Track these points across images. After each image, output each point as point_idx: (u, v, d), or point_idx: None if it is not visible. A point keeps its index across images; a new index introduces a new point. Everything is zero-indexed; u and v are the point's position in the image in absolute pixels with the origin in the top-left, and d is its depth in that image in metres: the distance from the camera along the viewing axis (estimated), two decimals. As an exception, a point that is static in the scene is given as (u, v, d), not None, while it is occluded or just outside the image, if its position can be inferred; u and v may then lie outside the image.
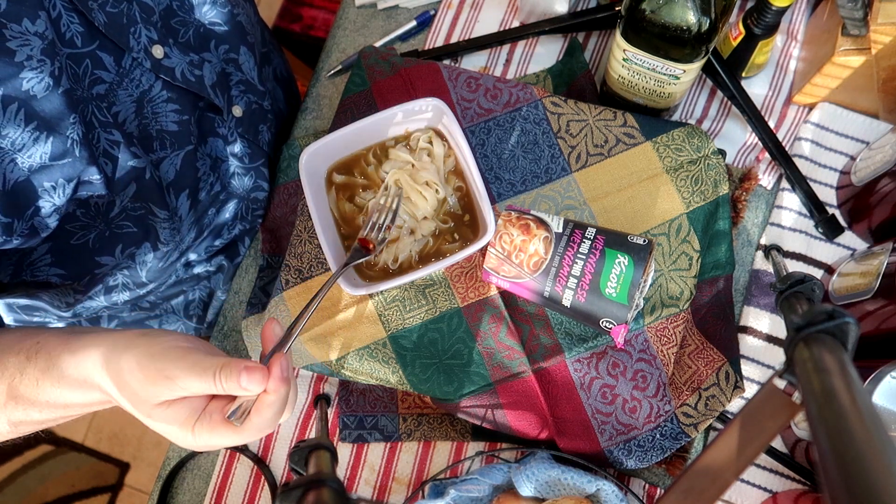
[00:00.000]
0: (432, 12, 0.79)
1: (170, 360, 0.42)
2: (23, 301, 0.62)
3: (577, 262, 0.55)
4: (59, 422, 0.49)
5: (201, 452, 0.70)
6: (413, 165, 0.63)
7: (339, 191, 0.65)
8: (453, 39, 0.78)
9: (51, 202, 0.48)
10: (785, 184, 0.68)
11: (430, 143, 0.64)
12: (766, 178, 0.69)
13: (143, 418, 0.43)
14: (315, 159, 0.63)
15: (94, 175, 0.50)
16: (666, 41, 0.56)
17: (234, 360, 0.42)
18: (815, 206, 0.67)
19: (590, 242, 0.55)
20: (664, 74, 0.60)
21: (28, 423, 0.48)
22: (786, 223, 0.68)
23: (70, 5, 0.48)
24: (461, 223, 0.64)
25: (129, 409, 0.44)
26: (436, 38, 0.78)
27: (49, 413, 0.47)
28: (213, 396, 0.44)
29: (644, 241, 0.55)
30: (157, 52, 0.55)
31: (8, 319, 0.65)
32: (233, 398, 0.44)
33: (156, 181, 0.57)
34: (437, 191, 0.63)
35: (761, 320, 0.66)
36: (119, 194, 0.54)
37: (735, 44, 0.67)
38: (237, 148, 0.68)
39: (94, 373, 0.43)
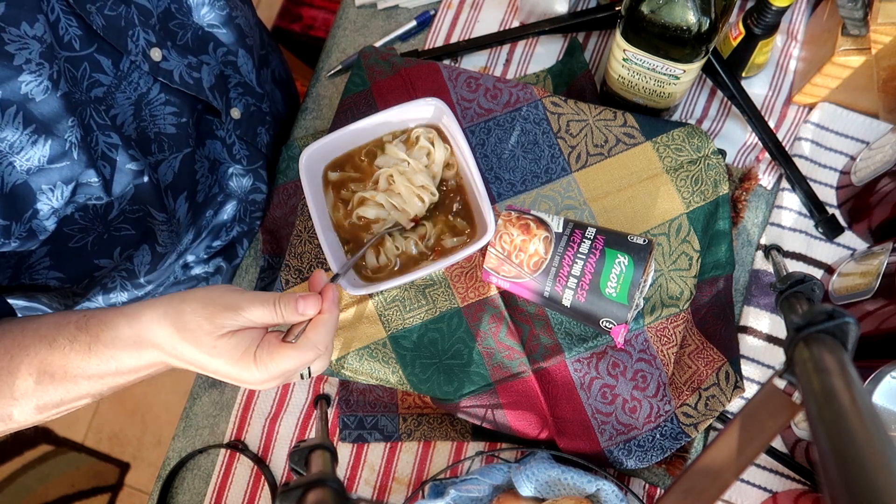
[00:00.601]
0: (432, 12, 0.79)
1: (232, 295, 0.46)
2: (21, 303, 0.62)
3: (577, 262, 0.55)
4: (105, 391, 0.49)
5: (202, 452, 0.70)
6: (408, 164, 0.63)
7: (334, 190, 0.65)
8: (453, 39, 0.78)
9: (49, 205, 0.48)
10: (785, 184, 0.68)
11: (432, 143, 0.64)
12: (766, 178, 0.69)
13: (204, 359, 0.45)
14: (315, 159, 0.63)
15: (92, 178, 0.50)
16: (666, 41, 0.56)
17: (290, 293, 0.48)
18: (815, 206, 0.67)
19: (590, 242, 0.55)
20: (664, 74, 0.60)
21: (67, 400, 0.48)
22: (786, 223, 0.68)
23: (68, 9, 0.48)
24: (457, 221, 0.64)
25: (187, 356, 0.45)
26: (436, 38, 0.78)
27: (95, 384, 0.48)
28: (270, 331, 0.49)
29: (644, 240, 0.55)
30: (156, 54, 0.55)
31: None
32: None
33: (154, 184, 0.57)
34: (431, 193, 0.63)
35: (761, 320, 0.66)
36: (117, 197, 0.54)
37: (735, 44, 0.67)
38: (235, 150, 0.68)
39: (150, 329, 0.45)
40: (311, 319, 0.48)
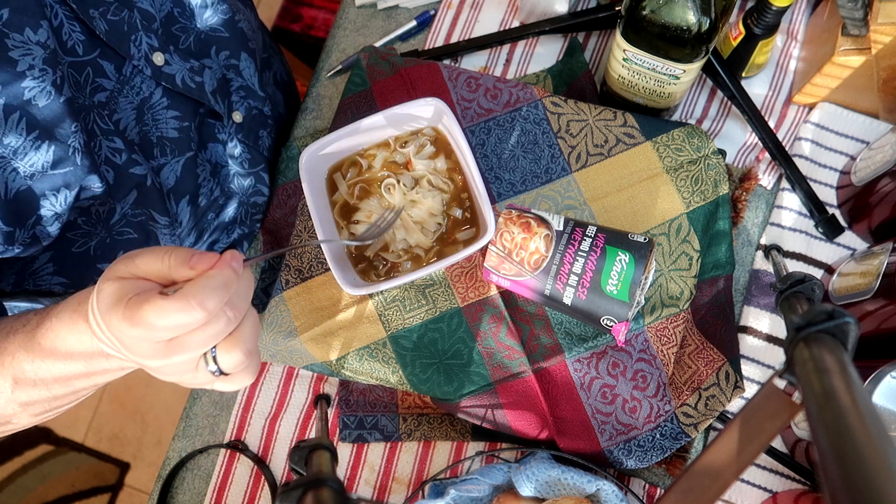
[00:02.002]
0: (432, 12, 0.79)
1: (134, 252, 0.41)
2: (24, 305, 0.62)
3: (577, 260, 0.55)
4: (73, 389, 0.47)
5: (202, 452, 0.70)
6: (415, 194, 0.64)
7: (338, 200, 0.65)
8: (453, 39, 0.78)
9: (52, 210, 0.48)
10: (785, 184, 0.68)
11: (433, 153, 0.65)
12: (766, 178, 0.69)
13: (93, 307, 0.40)
14: (315, 159, 0.63)
15: (95, 183, 0.50)
16: (666, 41, 0.56)
17: (188, 248, 0.41)
18: (815, 206, 0.67)
19: (590, 240, 0.55)
20: (664, 74, 0.60)
21: (39, 401, 0.46)
22: (786, 223, 0.68)
23: (71, 14, 0.48)
24: (460, 228, 0.64)
25: (94, 310, 0.40)
26: (436, 38, 0.78)
27: (59, 388, 0.45)
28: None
29: (644, 239, 0.55)
30: (158, 59, 0.55)
31: None
32: None
33: (156, 188, 0.57)
34: (437, 222, 0.63)
35: (761, 320, 0.66)
36: (120, 201, 0.54)
37: (735, 44, 0.67)
38: (237, 153, 0.68)
39: (82, 294, 0.42)
40: None
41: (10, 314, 0.55)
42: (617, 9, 0.66)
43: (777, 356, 0.65)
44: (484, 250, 0.60)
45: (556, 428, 0.62)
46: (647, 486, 0.64)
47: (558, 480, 0.58)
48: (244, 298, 0.41)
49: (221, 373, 0.42)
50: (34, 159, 0.46)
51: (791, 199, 0.68)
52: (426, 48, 0.77)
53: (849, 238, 0.67)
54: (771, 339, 0.65)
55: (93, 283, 0.60)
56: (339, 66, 0.78)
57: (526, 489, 0.58)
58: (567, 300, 0.56)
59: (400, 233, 0.63)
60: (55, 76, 0.45)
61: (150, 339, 0.39)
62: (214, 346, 0.41)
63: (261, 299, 0.71)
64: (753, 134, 0.70)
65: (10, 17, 0.43)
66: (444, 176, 0.65)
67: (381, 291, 0.64)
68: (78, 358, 0.43)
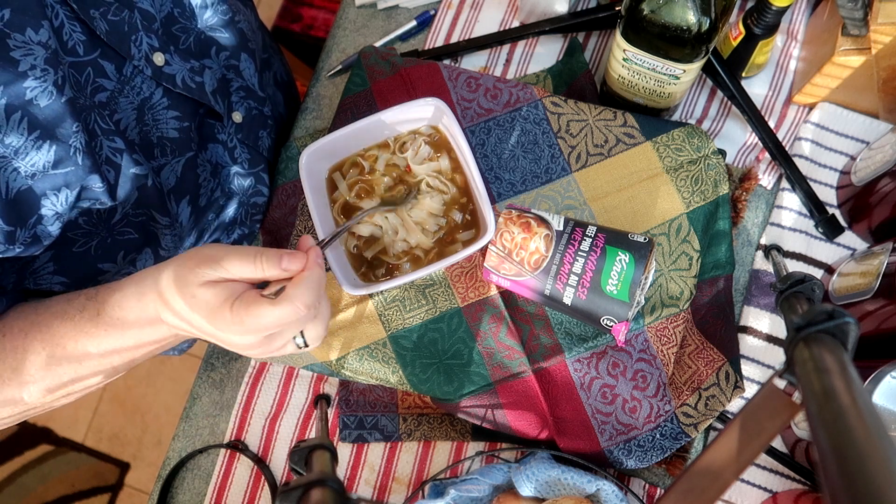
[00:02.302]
0: (432, 12, 0.79)
1: (215, 247, 0.45)
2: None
3: (577, 260, 0.55)
4: (109, 374, 0.51)
5: (202, 452, 0.70)
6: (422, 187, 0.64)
7: (338, 199, 0.65)
8: (453, 39, 0.78)
9: (53, 210, 0.48)
10: (785, 184, 0.68)
11: (437, 156, 0.65)
12: (766, 178, 0.69)
13: (186, 308, 0.45)
14: (315, 159, 0.63)
15: (96, 183, 0.50)
16: (666, 41, 0.56)
17: (274, 248, 0.46)
18: (815, 206, 0.67)
19: (590, 240, 0.55)
20: (664, 74, 0.60)
21: (78, 378, 0.50)
22: (786, 223, 0.68)
23: (72, 14, 0.48)
24: (459, 227, 0.64)
25: (176, 306, 0.45)
26: (436, 38, 0.78)
27: (103, 361, 0.49)
28: (252, 287, 0.47)
29: (644, 239, 0.55)
30: (158, 59, 0.55)
31: None
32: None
33: (157, 188, 0.57)
34: (438, 223, 0.63)
35: (761, 320, 0.66)
36: (121, 201, 0.54)
37: (735, 44, 0.67)
38: (237, 154, 0.68)
39: (151, 282, 0.46)
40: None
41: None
42: (617, 9, 0.66)
43: (777, 356, 0.65)
44: (484, 250, 0.60)
45: (556, 428, 0.62)
46: (647, 486, 0.64)
47: (558, 480, 0.58)
48: (323, 289, 0.48)
49: (305, 345, 0.50)
50: (35, 159, 0.46)
51: (791, 199, 0.68)
52: (426, 48, 0.77)
53: (849, 238, 0.67)
54: (771, 339, 0.65)
55: (95, 282, 0.61)
56: (339, 66, 0.78)
57: (526, 489, 0.58)
58: (567, 300, 0.56)
59: (400, 233, 0.63)
60: (56, 76, 0.45)
61: (258, 335, 0.45)
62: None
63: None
64: (753, 134, 0.70)
65: (12, 18, 0.43)
66: (446, 176, 0.65)
67: (381, 291, 0.64)
68: (133, 350, 0.49)
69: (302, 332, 0.49)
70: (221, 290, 0.44)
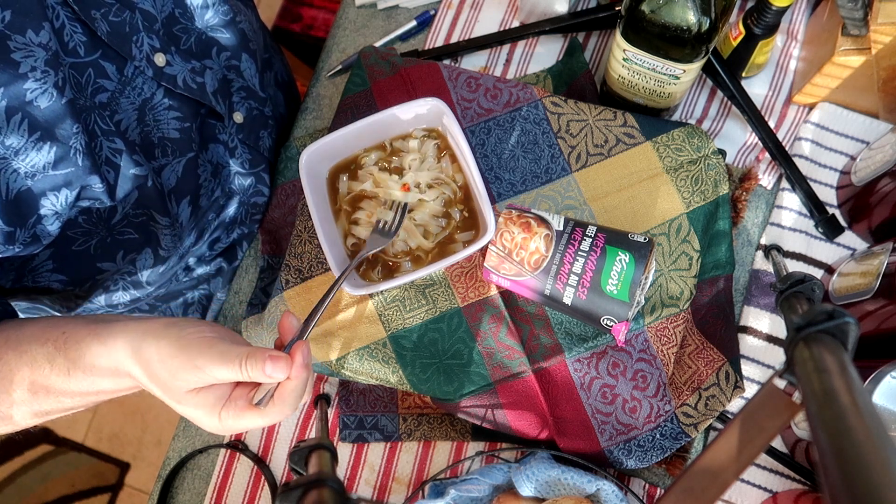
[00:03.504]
0: (432, 12, 0.79)
1: (197, 350, 0.43)
2: (24, 304, 0.63)
3: (577, 260, 0.55)
4: (90, 405, 0.51)
5: (202, 452, 0.70)
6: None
7: (341, 200, 0.65)
8: (453, 39, 0.78)
9: (53, 210, 0.48)
10: (785, 184, 0.68)
11: (439, 158, 0.65)
12: (766, 178, 0.69)
13: (173, 404, 0.46)
14: (315, 159, 0.63)
15: (96, 183, 0.50)
16: (666, 41, 0.56)
17: (259, 350, 0.44)
18: (815, 206, 0.67)
19: (590, 240, 0.55)
20: (664, 74, 0.60)
21: (58, 410, 0.49)
22: (786, 223, 0.68)
23: (73, 15, 0.48)
24: (460, 226, 0.64)
25: (159, 395, 0.46)
26: (436, 38, 0.78)
27: (80, 400, 0.49)
28: (238, 383, 0.47)
29: (645, 239, 0.55)
30: (160, 59, 0.55)
31: None
32: (256, 385, 0.47)
33: (157, 188, 0.57)
34: (439, 224, 0.64)
35: (761, 320, 0.66)
36: (121, 202, 0.54)
37: (735, 44, 0.67)
38: (238, 154, 0.68)
39: (124, 361, 0.45)
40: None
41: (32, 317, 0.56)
42: (617, 9, 0.66)
43: (777, 356, 0.65)
44: (484, 250, 0.60)
45: (556, 428, 0.62)
46: (647, 486, 0.64)
47: (558, 480, 0.58)
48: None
49: None
50: (35, 160, 0.46)
51: (791, 199, 0.68)
52: (426, 48, 0.77)
53: (849, 238, 0.67)
54: (771, 339, 0.65)
55: (94, 281, 0.61)
56: (339, 66, 0.78)
57: (526, 489, 0.58)
58: (567, 300, 0.56)
59: (401, 234, 0.63)
60: (57, 77, 0.45)
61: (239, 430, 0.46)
62: None
63: (260, 299, 0.71)
64: (753, 134, 0.70)
65: (13, 19, 0.43)
66: (447, 177, 0.65)
67: (381, 291, 0.64)
68: (107, 374, 0.47)
69: None
70: (207, 395, 0.45)
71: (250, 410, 0.45)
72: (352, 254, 0.64)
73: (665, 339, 0.62)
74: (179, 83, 0.57)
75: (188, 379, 0.43)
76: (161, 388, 0.45)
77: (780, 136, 0.70)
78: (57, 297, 0.61)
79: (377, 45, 0.77)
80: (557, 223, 0.57)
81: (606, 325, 0.56)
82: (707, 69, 0.67)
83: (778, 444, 0.63)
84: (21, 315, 0.65)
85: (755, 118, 0.67)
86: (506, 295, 0.63)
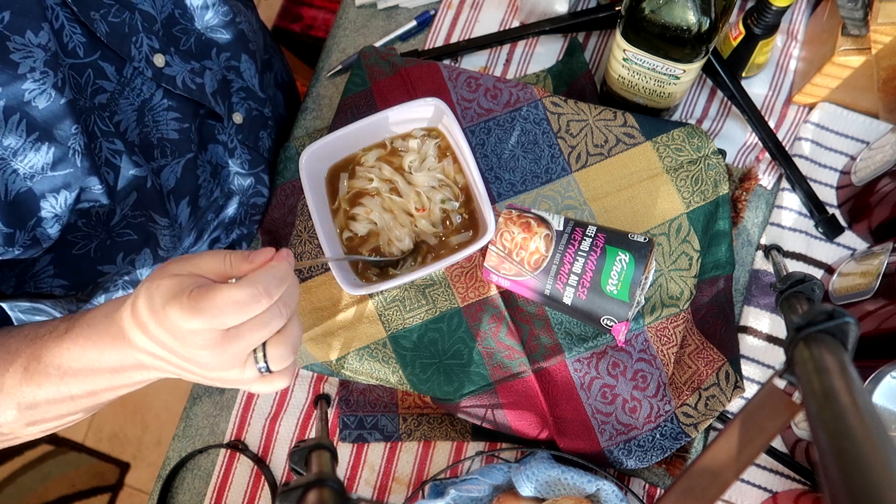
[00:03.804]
0: (432, 12, 0.79)
1: (180, 266, 0.42)
2: (25, 304, 0.63)
3: (577, 260, 0.55)
4: (87, 410, 0.49)
5: (202, 451, 0.70)
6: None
7: (340, 199, 0.65)
8: (453, 39, 0.78)
9: (52, 212, 0.48)
10: (785, 184, 0.68)
11: (439, 157, 0.65)
12: (766, 178, 0.69)
13: (147, 311, 0.40)
14: (315, 159, 0.63)
15: (95, 184, 0.50)
16: (666, 41, 0.56)
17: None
18: (815, 205, 0.67)
19: (590, 240, 0.55)
20: (664, 74, 0.60)
21: (54, 401, 0.46)
22: (786, 223, 0.68)
23: (72, 16, 0.48)
24: (459, 228, 0.64)
25: (142, 315, 0.41)
26: (436, 38, 0.78)
27: (76, 384, 0.45)
28: None
29: (644, 239, 0.55)
30: (159, 60, 0.55)
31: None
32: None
33: (156, 189, 0.57)
34: (439, 223, 0.64)
35: (761, 320, 0.66)
36: (120, 203, 0.54)
37: (735, 44, 0.67)
38: (237, 154, 0.68)
39: (121, 301, 0.43)
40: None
41: (12, 319, 0.55)
42: (617, 9, 0.66)
43: (777, 356, 0.65)
44: (484, 250, 0.60)
45: (556, 428, 0.62)
46: (647, 486, 0.64)
47: (558, 480, 0.58)
48: (294, 297, 0.44)
49: (268, 370, 0.43)
50: (34, 160, 0.46)
51: (791, 199, 0.68)
52: (426, 48, 0.77)
53: (849, 238, 0.67)
54: (771, 339, 0.65)
55: (95, 284, 0.61)
56: (339, 66, 0.78)
57: (526, 489, 0.58)
58: (567, 300, 0.56)
59: (401, 233, 0.63)
60: (56, 78, 0.45)
61: (211, 327, 0.39)
62: (264, 344, 0.43)
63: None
64: (753, 134, 0.70)
65: (12, 20, 0.43)
66: (449, 177, 0.65)
67: (381, 291, 0.64)
68: (103, 373, 0.45)
69: (264, 348, 0.43)
70: (183, 280, 0.40)
71: (220, 285, 0.40)
72: (348, 249, 0.64)
73: (665, 339, 0.62)
74: (179, 84, 0.57)
75: (172, 268, 0.41)
76: (144, 292, 0.40)
77: (780, 136, 0.70)
78: (59, 301, 0.61)
79: (377, 45, 0.77)
80: (557, 223, 0.57)
81: (606, 325, 0.56)
82: (707, 69, 0.67)
83: (778, 444, 0.63)
84: (21, 315, 0.65)
85: (755, 118, 0.67)
86: (506, 295, 0.63)
